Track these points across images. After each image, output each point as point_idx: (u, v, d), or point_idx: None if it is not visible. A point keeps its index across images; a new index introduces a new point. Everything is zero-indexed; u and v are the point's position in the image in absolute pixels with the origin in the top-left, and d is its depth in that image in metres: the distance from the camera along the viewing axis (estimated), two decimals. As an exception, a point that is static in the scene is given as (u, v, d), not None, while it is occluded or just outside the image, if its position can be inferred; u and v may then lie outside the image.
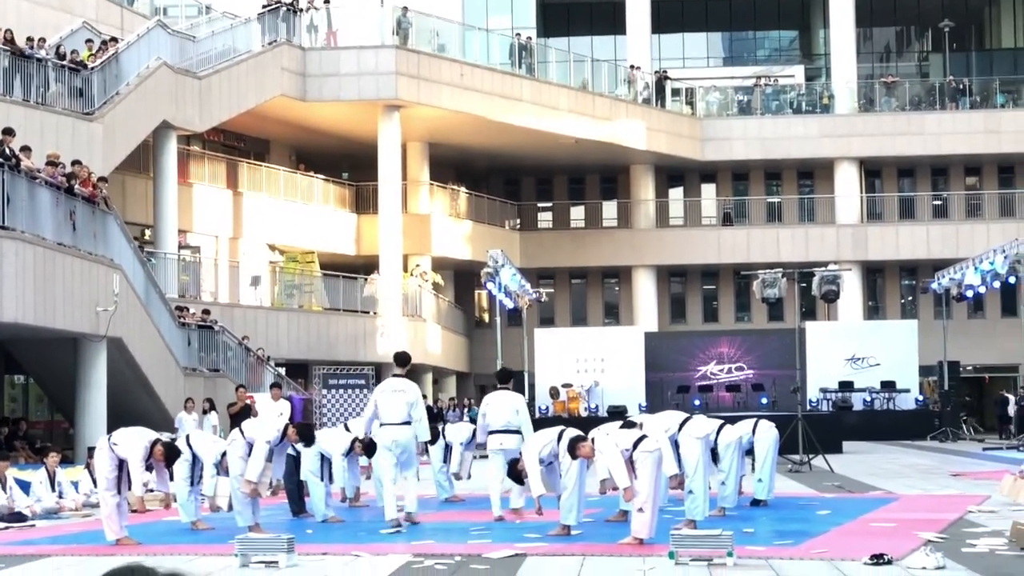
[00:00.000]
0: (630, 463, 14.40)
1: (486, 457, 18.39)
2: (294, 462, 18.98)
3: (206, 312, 36.66)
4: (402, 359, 18.19)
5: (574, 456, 15.18)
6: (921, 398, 47.19)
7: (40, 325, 26.18)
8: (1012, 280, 40.08)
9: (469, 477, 22.71)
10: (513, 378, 19.28)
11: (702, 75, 61.41)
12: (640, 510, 14.31)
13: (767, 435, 19.35)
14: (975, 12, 64.57)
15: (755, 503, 19.17)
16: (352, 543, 15.26)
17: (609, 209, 59.74)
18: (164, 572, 1.68)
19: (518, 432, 17.76)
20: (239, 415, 28.16)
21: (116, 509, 15.71)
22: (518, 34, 54.18)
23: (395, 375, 17.92)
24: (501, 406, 18.01)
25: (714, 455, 17.83)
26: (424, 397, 22.52)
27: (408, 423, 17.27)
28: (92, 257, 28.35)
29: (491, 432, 17.93)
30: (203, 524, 17.49)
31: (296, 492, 19.40)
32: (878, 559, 12.62)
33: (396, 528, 16.76)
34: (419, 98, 46.48)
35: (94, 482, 22.85)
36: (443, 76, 47.24)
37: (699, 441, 16.40)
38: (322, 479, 18.87)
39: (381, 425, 17.33)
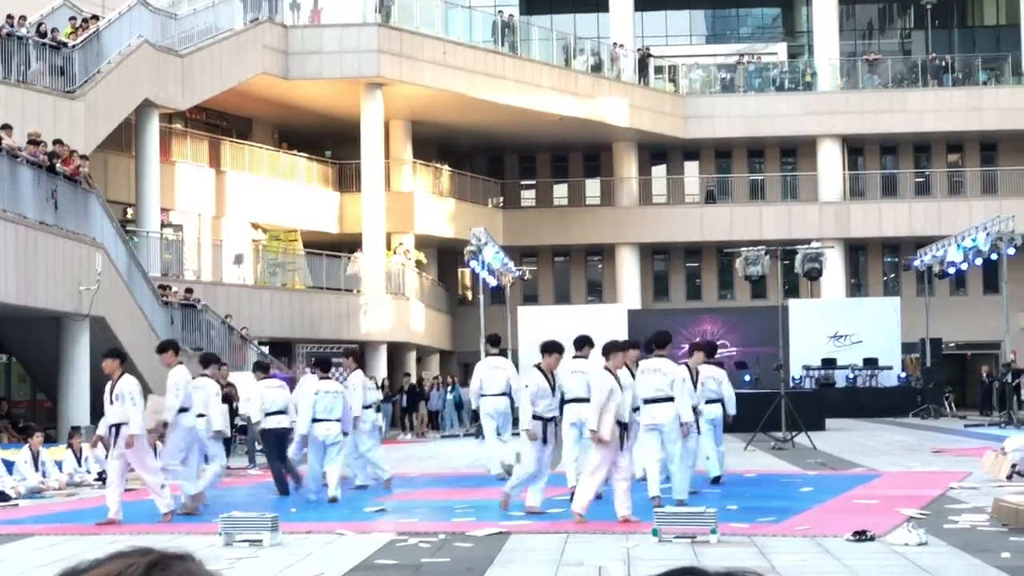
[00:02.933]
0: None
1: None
2: (278, 443, 19.14)
3: (189, 291, 36.59)
4: (495, 339, 22.08)
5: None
6: (903, 375, 47.33)
7: (22, 304, 26.12)
8: (994, 257, 40.19)
9: None
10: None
11: (685, 53, 61.37)
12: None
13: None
14: (958, -11, 64.62)
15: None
16: (336, 521, 15.29)
17: (592, 187, 59.73)
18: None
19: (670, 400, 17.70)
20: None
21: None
22: (500, 12, 54.07)
23: (491, 354, 21.53)
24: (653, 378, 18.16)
25: None
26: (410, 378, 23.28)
27: (506, 394, 20.67)
28: (74, 236, 28.27)
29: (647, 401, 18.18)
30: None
31: (280, 473, 19.44)
32: (860, 535, 12.68)
33: (503, 474, 19.76)
34: (402, 76, 46.38)
35: (78, 461, 22.90)
36: (426, 54, 47.13)
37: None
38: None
39: (482, 396, 20.85)
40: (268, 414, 19.49)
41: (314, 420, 18.19)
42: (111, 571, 1.77)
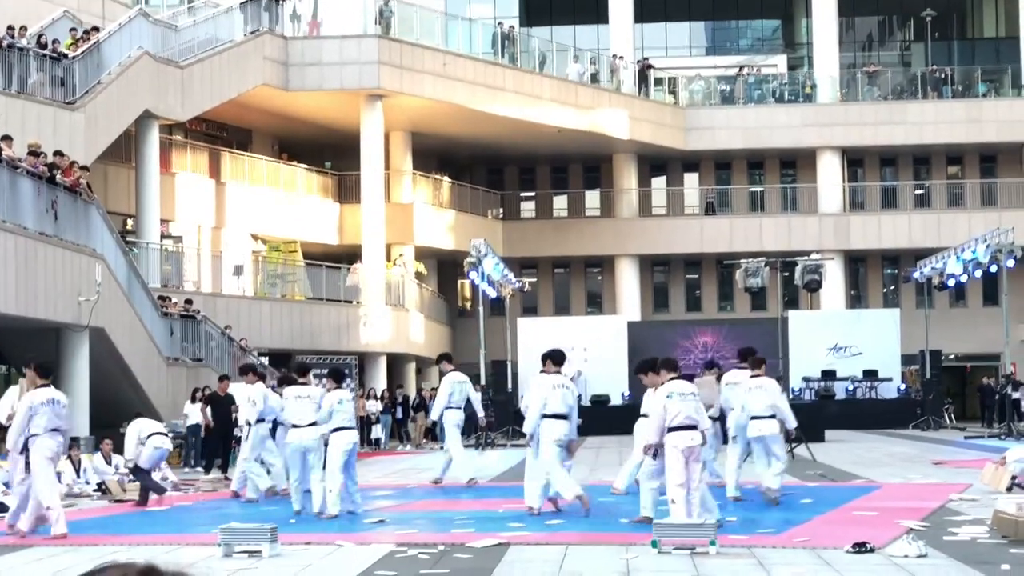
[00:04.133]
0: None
1: None
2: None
3: (188, 302, 36.59)
4: (449, 356, 24.10)
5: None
6: (903, 387, 47.30)
7: (22, 315, 26.11)
8: (993, 269, 40.19)
9: None
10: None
11: (685, 64, 61.40)
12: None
13: None
14: (957, 1, 64.60)
15: None
16: (335, 532, 15.27)
17: (592, 198, 59.74)
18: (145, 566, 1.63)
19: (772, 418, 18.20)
20: (218, 403, 28.18)
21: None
22: (500, 23, 54.11)
23: (449, 371, 23.11)
24: (759, 396, 18.32)
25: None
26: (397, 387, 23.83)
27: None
28: (74, 247, 28.27)
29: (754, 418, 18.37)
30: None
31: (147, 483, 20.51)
32: (860, 547, 12.66)
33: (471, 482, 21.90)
34: (402, 87, 46.42)
35: (77, 472, 22.89)
36: (426, 65, 47.17)
37: None
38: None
39: (449, 408, 22.76)
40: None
41: (335, 430, 17.93)
42: None
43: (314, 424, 17.79)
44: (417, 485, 23.37)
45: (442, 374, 23.94)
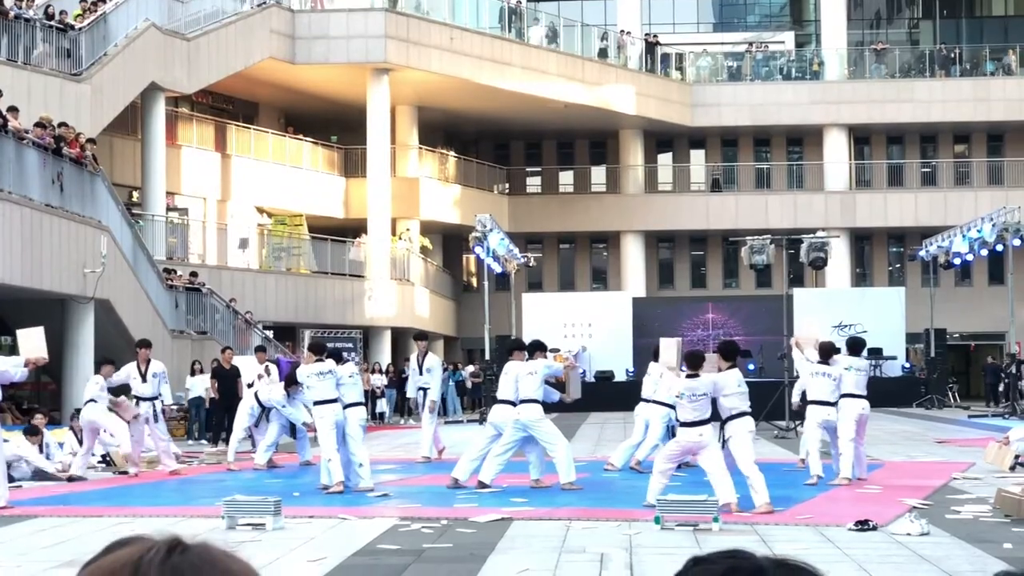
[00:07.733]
0: None
1: None
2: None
3: (194, 274, 36.60)
4: (421, 335, 24.94)
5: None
6: (908, 365, 47.27)
7: (27, 286, 26.13)
8: (999, 248, 40.13)
9: None
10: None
11: (692, 40, 61.24)
12: None
13: None
14: (966, -21, 64.46)
15: None
16: (339, 506, 15.30)
17: (598, 174, 59.65)
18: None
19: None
20: (223, 376, 28.21)
21: None
22: (508, -2, 53.95)
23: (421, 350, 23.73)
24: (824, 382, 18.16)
25: None
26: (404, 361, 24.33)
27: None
28: (80, 219, 28.28)
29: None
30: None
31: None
32: (863, 525, 12.68)
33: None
34: (408, 62, 46.34)
35: (80, 443, 22.94)
36: (432, 40, 47.07)
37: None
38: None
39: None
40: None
41: (347, 406, 17.93)
42: (132, 554, 1.75)
43: (336, 400, 17.69)
44: (422, 459, 23.38)
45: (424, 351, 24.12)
